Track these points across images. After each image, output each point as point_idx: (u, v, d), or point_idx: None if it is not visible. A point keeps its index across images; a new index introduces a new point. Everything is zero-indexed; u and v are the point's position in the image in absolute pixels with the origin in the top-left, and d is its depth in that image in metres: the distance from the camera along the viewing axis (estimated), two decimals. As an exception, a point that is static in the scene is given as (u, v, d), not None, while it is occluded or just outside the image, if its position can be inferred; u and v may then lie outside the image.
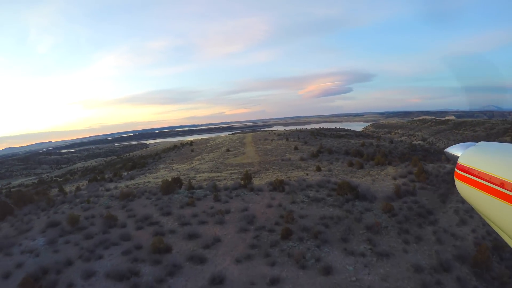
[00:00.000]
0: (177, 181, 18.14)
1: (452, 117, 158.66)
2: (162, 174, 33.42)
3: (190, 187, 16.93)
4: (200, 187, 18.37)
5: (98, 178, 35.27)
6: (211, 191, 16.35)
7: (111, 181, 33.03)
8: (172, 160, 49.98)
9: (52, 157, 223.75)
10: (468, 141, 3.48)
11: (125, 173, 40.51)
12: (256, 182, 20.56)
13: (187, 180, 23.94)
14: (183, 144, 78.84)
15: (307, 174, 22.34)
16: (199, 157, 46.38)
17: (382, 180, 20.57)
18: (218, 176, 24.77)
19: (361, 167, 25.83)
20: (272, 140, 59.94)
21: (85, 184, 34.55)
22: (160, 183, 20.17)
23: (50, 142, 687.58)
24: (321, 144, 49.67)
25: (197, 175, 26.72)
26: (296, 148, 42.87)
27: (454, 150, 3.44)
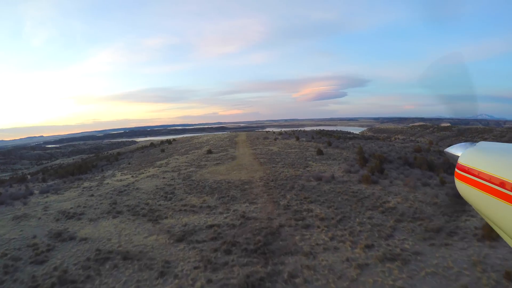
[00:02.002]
0: None
1: (449, 124, 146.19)
2: (65, 197, 17.15)
3: None
4: None
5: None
6: None
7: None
8: (128, 164, 33.57)
9: (35, 152, 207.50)
10: None
11: (43, 184, 24.06)
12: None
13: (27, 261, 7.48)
14: (162, 142, 63.26)
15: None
16: (164, 161, 29.91)
17: None
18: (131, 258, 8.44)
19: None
20: (275, 140, 42.94)
21: None
22: None
23: (42, 136, 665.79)
24: (360, 147, 32.38)
25: (80, 232, 10.36)
26: (320, 153, 26.43)
27: (454, 150, 3.28)
